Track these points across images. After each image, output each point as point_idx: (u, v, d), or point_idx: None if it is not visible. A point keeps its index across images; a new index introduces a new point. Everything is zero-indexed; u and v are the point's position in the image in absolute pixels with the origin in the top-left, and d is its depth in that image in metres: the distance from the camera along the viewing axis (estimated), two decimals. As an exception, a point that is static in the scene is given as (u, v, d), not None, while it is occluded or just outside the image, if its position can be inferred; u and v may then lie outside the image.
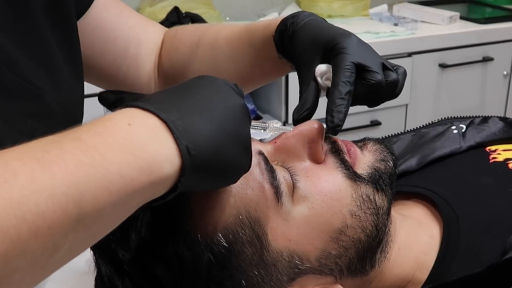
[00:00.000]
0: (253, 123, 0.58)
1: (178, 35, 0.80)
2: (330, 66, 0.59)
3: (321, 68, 0.59)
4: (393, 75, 0.59)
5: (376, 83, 0.57)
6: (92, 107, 1.53)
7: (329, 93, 0.57)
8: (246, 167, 0.48)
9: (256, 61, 0.71)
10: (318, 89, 0.59)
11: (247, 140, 0.47)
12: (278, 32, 0.65)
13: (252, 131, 0.53)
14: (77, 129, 0.39)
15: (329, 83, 0.58)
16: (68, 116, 0.64)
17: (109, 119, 0.40)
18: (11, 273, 0.33)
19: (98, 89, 1.59)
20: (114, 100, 0.48)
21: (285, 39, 0.64)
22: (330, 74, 0.58)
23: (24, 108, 0.59)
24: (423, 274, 0.60)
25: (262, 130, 0.60)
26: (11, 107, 0.58)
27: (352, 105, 0.59)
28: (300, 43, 0.62)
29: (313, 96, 0.59)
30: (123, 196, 0.37)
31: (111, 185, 0.37)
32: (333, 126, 0.56)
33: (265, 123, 0.61)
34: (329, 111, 0.56)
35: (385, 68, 0.59)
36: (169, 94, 0.45)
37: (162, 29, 0.84)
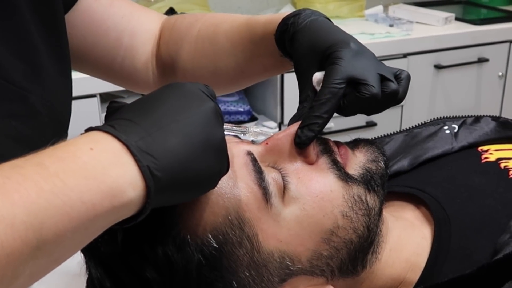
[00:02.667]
0: (232, 127, 0.58)
1: (176, 26, 0.78)
2: (323, 73, 0.58)
3: (317, 77, 0.58)
4: (392, 86, 0.57)
5: (370, 97, 0.55)
6: (86, 108, 1.53)
7: (310, 107, 0.56)
8: (223, 170, 0.48)
9: (257, 58, 0.70)
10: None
11: (220, 143, 0.46)
12: (279, 32, 0.63)
13: (229, 133, 0.53)
14: (40, 153, 0.39)
15: None
16: (54, 116, 0.63)
17: (72, 144, 0.40)
18: None
19: (92, 90, 1.58)
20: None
21: (285, 40, 0.63)
22: None
23: (7, 109, 0.58)
24: (415, 275, 0.60)
25: (242, 135, 0.60)
26: None
27: (348, 115, 0.58)
28: (299, 48, 0.61)
29: (311, 105, 0.58)
30: (84, 221, 0.38)
31: (71, 211, 0.37)
32: (299, 142, 0.56)
33: (245, 128, 0.60)
34: (302, 125, 0.56)
35: (384, 78, 0.57)
36: (135, 110, 0.45)
37: (159, 17, 0.81)
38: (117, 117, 0.44)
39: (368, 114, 0.59)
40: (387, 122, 2.01)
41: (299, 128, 0.56)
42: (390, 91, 0.57)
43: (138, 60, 0.78)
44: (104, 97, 1.61)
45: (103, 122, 0.47)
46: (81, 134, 0.43)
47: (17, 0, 0.59)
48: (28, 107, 0.60)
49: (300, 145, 0.56)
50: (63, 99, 0.66)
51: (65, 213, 0.36)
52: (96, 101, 1.59)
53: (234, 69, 0.72)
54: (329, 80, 0.56)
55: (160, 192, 0.41)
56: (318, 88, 0.58)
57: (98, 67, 0.78)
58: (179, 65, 0.76)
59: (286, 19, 0.63)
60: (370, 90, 0.55)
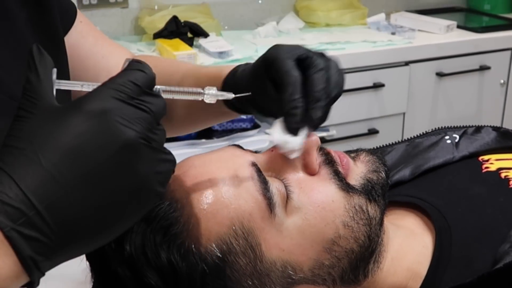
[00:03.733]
0: (185, 90, 0.50)
1: None
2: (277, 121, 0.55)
3: (275, 129, 0.55)
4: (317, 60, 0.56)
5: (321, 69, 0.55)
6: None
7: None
8: (158, 195, 0.43)
9: (205, 108, 0.65)
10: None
11: (140, 182, 0.41)
12: (223, 87, 0.64)
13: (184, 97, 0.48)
14: None
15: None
16: None
17: None
18: None
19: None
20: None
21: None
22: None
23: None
24: (416, 283, 0.60)
25: (201, 99, 0.51)
26: None
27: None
28: (247, 84, 0.61)
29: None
30: None
31: None
32: (291, 128, 0.54)
33: (200, 90, 0.51)
34: (284, 120, 0.54)
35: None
36: (21, 162, 0.39)
37: (131, 57, 0.83)
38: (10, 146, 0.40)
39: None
40: (389, 129, 2.02)
41: (284, 120, 0.54)
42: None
43: None
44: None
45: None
46: None
47: (18, 22, 0.61)
48: None
49: (292, 131, 0.54)
50: None
51: None
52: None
53: (184, 116, 0.75)
54: (281, 65, 0.55)
55: (51, 268, 0.39)
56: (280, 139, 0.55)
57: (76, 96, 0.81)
58: None
59: (226, 77, 0.65)
60: (316, 61, 0.55)
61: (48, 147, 0.39)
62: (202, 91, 0.50)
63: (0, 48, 0.59)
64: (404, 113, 2.03)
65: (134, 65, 0.44)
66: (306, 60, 0.56)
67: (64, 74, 0.69)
